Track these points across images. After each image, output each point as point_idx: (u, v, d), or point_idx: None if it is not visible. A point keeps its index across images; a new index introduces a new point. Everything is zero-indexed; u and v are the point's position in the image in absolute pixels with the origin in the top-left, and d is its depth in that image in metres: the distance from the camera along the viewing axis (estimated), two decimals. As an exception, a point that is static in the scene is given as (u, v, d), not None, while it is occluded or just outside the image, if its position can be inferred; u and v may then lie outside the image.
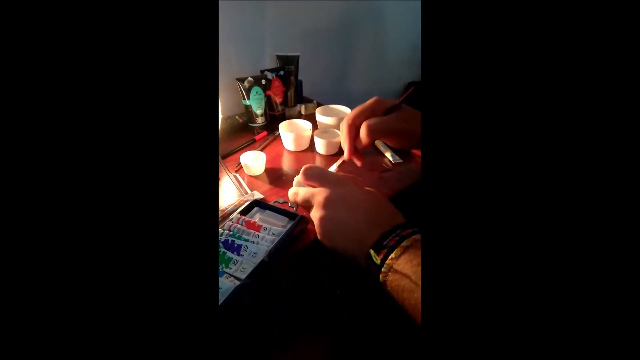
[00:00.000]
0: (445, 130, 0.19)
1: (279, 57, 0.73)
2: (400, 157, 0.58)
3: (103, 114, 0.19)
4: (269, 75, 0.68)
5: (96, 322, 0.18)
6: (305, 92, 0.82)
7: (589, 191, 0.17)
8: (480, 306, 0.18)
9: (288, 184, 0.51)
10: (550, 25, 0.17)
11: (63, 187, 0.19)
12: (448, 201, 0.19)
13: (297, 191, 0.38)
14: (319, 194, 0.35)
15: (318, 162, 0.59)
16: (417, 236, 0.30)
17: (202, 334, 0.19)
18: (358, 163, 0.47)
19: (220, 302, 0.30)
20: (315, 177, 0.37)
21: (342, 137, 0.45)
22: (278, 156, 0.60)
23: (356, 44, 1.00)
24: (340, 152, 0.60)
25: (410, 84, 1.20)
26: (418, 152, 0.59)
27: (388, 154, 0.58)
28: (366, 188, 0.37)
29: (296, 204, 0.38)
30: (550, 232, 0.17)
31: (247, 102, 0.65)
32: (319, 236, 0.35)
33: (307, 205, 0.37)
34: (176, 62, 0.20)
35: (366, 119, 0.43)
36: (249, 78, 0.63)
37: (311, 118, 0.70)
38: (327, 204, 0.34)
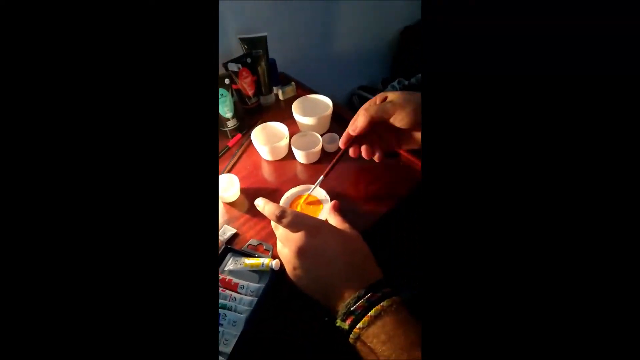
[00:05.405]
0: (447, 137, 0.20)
1: (243, 41, 0.60)
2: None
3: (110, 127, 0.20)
4: (234, 67, 0.57)
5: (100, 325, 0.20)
6: (281, 68, 0.71)
7: (582, 200, 0.17)
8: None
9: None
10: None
11: (59, 197, 0.19)
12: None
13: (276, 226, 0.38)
14: (294, 242, 0.34)
15: (299, 171, 0.55)
16: (386, 302, 0.30)
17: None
18: (352, 154, 0.46)
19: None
20: (291, 224, 0.36)
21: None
22: (255, 168, 0.56)
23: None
24: (321, 159, 0.55)
25: (405, 29, 1.04)
26: (404, 152, 0.54)
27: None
28: (344, 231, 0.36)
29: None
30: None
31: (213, 108, 0.57)
32: (291, 279, 0.36)
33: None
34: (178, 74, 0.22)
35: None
36: (210, 80, 0.54)
37: (292, 101, 0.61)
38: (301, 255, 0.34)
